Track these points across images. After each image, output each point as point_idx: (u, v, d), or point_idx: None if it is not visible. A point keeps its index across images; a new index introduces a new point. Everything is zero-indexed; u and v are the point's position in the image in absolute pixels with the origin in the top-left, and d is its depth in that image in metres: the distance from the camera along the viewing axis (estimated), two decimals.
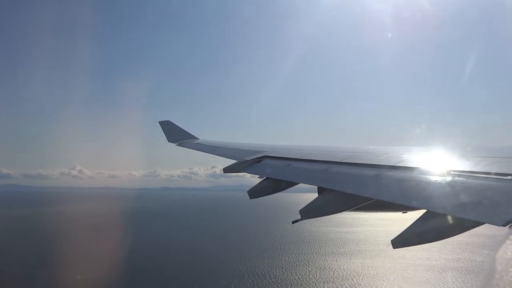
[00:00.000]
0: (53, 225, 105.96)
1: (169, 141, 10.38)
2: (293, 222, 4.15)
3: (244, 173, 5.84)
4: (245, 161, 5.87)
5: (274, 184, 4.99)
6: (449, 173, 3.16)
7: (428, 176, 3.29)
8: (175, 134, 10.52)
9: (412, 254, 64.29)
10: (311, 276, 56.70)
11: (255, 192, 5.01)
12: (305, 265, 63.05)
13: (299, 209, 3.95)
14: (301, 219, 3.94)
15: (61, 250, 65.52)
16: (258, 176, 5.43)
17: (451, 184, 3.01)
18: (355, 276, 57.01)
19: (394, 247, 2.89)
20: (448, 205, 2.81)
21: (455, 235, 2.78)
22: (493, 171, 2.92)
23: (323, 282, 53.65)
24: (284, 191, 4.99)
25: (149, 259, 64.53)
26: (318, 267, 61.79)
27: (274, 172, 5.26)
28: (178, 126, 10.92)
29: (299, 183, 4.68)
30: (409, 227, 2.90)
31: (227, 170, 6.04)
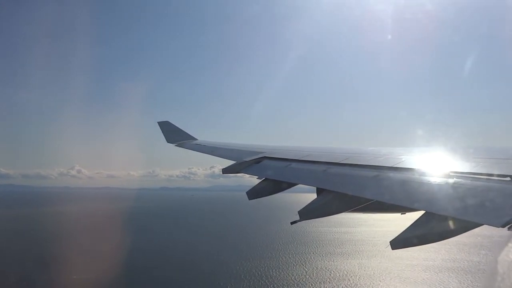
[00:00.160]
0: (52, 225, 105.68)
1: (168, 142, 10.35)
2: (292, 223, 4.15)
3: (243, 174, 5.83)
4: (244, 162, 5.85)
5: (273, 185, 4.99)
6: (448, 174, 3.18)
7: (427, 177, 3.31)
8: (174, 135, 10.49)
9: (409, 255, 64.43)
10: (307, 276, 56.65)
11: (254, 193, 5.00)
12: (302, 266, 63.03)
13: (298, 209, 3.94)
14: (300, 220, 3.94)
15: (59, 250, 65.38)
16: (257, 177, 5.42)
17: (450, 185, 3.03)
18: (351, 276, 57.02)
19: (393, 248, 2.90)
20: (447, 206, 2.82)
21: (453, 236, 2.80)
22: (492, 172, 2.94)
23: (320, 283, 53.62)
24: (283, 191, 4.99)
25: (147, 259, 64.35)
26: (314, 268, 61.78)
27: (273, 173, 5.25)
28: (177, 127, 10.90)
29: (298, 184, 4.68)
30: (407, 228, 2.92)
31: (226, 171, 6.01)
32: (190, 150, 9.25)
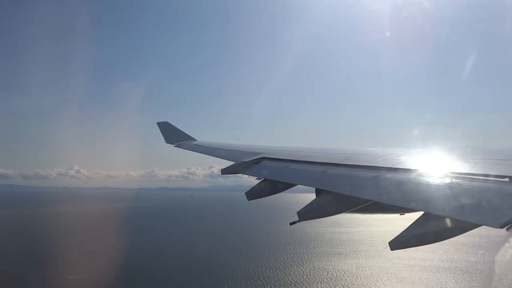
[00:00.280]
0: (51, 225, 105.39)
1: (167, 142, 10.39)
2: (291, 224, 4.15)
3: (242, 174, 5.86)
4: (243, 162, 5.86)
5: (272, 185, 5.00)
6: (447, 175, 3.19)
7: (426, 178, 3.33)
8: (173, 135, 10.53)
9: (407, 255, 64.42)
10: (304, 276, 56.64)
11: (253, 194, 5.02)
12: (299, 266, 63.02)
13: (297, 209, 3.95)
14: (299, 221, 3.94)
15: (57, 250, 65.16)
16: (256, 177, 5.43)
17: (448, 186, 3.04)
18: (348, 276, 57.07)
19: (392, 249, 2.91)
20: (446, 207, 2.82)
21: (452, 237, 2.81)
22: (491, 173, 2.96)
23: (317, 283, 53.61)
24: (282, 191, 5.00)
25: (146, 259, 64.31)
26: (312, 268, 61.78)
27: (272, 173, 5.25)
28: (176, 127, 10.93)
29: (297, 185, 4.69)
30: (406, 229, 2.93)
31: (225, 171, 6.01)
32: (189, 151, 9.32)
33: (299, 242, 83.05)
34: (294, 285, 52.48)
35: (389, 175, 3.66)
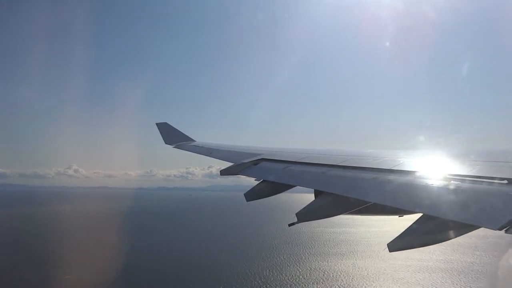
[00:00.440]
0: (48, 224, 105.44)
1: (166, 143, 10.42)
2: (289, 225, 4.16)
3: (241, 175, 5.84)
4: (242, 163, 5.87)
5: (271, 186, 5.01)
6: (445, 177, 3.21)
7: (424, 180, 3.34)
8: (172, 136, 10.56)
9: (403, 255, 64.34)
10: (301, 277, 56.63)
11: (252, 195, 5.04)
12: (295, 266, 63.01)
13: (295, 209, 3.97)
14: (297, 222, 3.95)
15: (54, 249, 65.20)
16: (255, 178, 5.42)
17: (447, 187, 3.05)
18: (345, 276, 57.09)
19: (390, 251, 2.93)
20: (445, 209, 2.83)
21: (451, 239, 2.83)
22: (489, 175, 2.97)
23: (313, 283, 53.60)
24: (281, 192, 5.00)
25: (143, 258, 64.16)
26: (308, 268, 61.78)
27: (271, 174, 5.26)
28: (175, 128, 10.95)
29: (296, 186, 4.70)
30: (405, 230, 2.94)
31: (224, 172, 5.99)
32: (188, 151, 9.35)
33: (297, 242, 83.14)
34: (290, 286, 52.44)
35: (388, 177, 3.67)
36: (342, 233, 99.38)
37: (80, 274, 52.48)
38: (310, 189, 4.28)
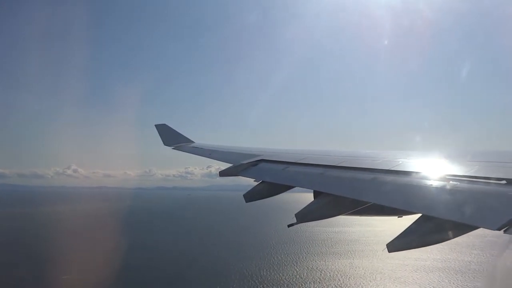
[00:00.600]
0: (47, 224, 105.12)
1: (165, 145, 10.50)
2: (289, 226, 4.17)
3: (240, 176, 5.85)
4: (241, 164, 5.89)
5: (270, 187, 5.03)
6: (444, 178, 3.21)
7: (423, 180, 3.34)
8: (171, 138, 10.63)
9: (401, 255, 64.16)
10: (297, 276, 56.63)
11: (251, 196, 5.06)
12: (293, 266, 63.01)
13: (294, 209, 4.00)
14: (296, 223, 3.97)
15: (52, 249, 64.84)
16: (254, 179, 5.45)
17: (446, 188, 3.05)
18: (342, 276, 57.14)
19: (389, 251, 2.94)
20: (443, 209, 2.84)
21: (450, 239, 2.84)
22: (488, 175, 2.98)
23: (309, 283, 53.59)
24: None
25: (142, 258, 64.06)
26: (305, 268, 61.77)
27: (270, 175, 5.27)
28: (174, 130, 10.99)
29: (295, 187, 4.72)
30: (404, 231, 2.95)
31: (223, 173, 6.02)
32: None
33: (295, 241, 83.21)
34: (287, 285, 52.43)
35: (387, 177, 3.67)
36: (340, 233, 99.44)
37: (79, 273, 52.37)
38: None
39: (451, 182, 3.11)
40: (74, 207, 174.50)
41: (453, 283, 54.18)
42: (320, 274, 58.23)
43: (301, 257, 70.13)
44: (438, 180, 3.22)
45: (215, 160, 7.58)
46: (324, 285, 53.07)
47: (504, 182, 2.79)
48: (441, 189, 3.08)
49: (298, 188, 4.72)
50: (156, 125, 11.33)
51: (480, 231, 2.58)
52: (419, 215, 2.98)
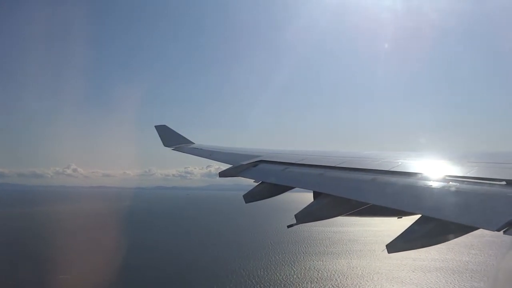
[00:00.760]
0: (47, 224, 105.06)
1: (165, 146, 10.52)
2: (288, 227, 4.19)
3: (240, 177, 5.87)
4: (241, 165, 5.91)
5: (269, 188, 5.03)
6: (444, 178, 3.21)
7: (423, 181, 3.34)
8: (171, 139, 10.66)
9: (399, 255, 64.19)
10: (295, 276, 56.60)
11: (250, 197, 5.07)
12: (290, 265, 62.99)
13: (293, 209, 4.02)
14: (296, 224, 3.98)
15: (51, 249, 64.72)
16: (253, 180, 5.47)
17: (446, 189, 3.05)
18: (339, 276, 57.11)
19: (389, 252, 2.93)
20: (443, 210, 2.84)
21: (449, 240, 2.85)
22: (488, 176, 2.97)
23: (307, 282, 53.55)
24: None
25: (141, 258, 64.05)
26: (303, 267, 61.75)
27: (270, 176, 5.28)
28: (174, 131, 11.02)
29: (294, 188, 4.72)
30: (403, 232, 2.95)
31: (222, 174, 6.04)
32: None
33: (293, 241, 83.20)
34: (284, 285, 52.39)
35: (386, 178, 3.68)
36: (339, 232, 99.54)
37: (78, 273, 52.29)
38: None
39: (450, 183, 3.11)
40: (74, 207, 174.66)
41: (451, 283, 54.26)
42: (318, 274, 58.21)
43: (299, 257, 70.14)
44: (438, 181, 3.22)
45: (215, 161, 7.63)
46: (321, 285, 53.03)
47: (503, 183, 2.79)
48: (441, 190, 3.09)
49: (298, 188, 4.74)
50: (156, 126, 11.33)
51: (478, 231, 2.59)
52: (418, 216, 2.98)
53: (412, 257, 64.56)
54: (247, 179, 5.64)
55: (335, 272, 59.33)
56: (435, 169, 3.64)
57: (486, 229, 2.38)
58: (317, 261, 66.56)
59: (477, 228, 2.54)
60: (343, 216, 3.96)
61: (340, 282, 54.27)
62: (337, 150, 6.03)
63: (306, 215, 4.04)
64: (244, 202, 5.15)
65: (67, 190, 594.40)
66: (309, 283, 53.60)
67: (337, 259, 68.51)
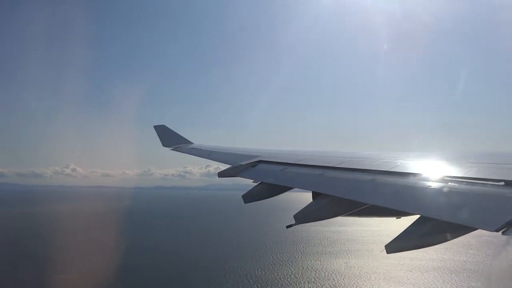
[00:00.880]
0: (46, 224, 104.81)
1: (164, 146, 10.53)
2: (287, 227, 4.20)
3: (239, 177, 5.86)
4: (240, 165, 5.91)
5: (268, 188, 5.04)
6: (443, 179, 3.21)
7: (422, 182, 3.35)
8: (170, 139, 10.67)
9: (397, 254, 63.38)
10: (292, 276, 56.55)
11: (249, 197, 5.08)
12: (288, 265, 62.96)
13: (292, 208, 4.05)
14: (295, 224, 4.00)
15: (52, 249, 64.47)
16: (252, 180, 5.47)
17: (445, 189, 3.06)
18: (337, 276, 57.11)
19: (388, 252, 2.95)
20: (442, 211, 2.85)
21: (448, 240, 2.86)
22: (487, 177, 2.97)
23: (304, 282, 53.51)
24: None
25: (140, 257, 63.98)
26: (301, 267, 61.70)
27: (269, 176, 5.28)
28: (173, 131, 11.03)
29: (294, 188, 4.72)
30: (403, 232, 2.96)
31: (221, 174, 6.05)
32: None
33: (291, 241, 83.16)
34: (281, 285, 52.35)
35: (385, 178, 3.69)
36: (337, 232, 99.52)
37: (78, 273, 52.24)
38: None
39: (449, 183, 3.12)
40: (73, 207, 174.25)
41: (448, 283, 54.32)
42: (315, 274, 58.17)
43: (296, 256, 70.10)
44: (437, 182, 3.23)
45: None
46: (318, 284, 53.00)
47: (502, 183, 2.80)
48: (440, 190, 3.10)
49: (297, 188, 4.73)
50: (155, 126, 11.33)
51: (477, 230, 2.60)
52: (417, 216, 3.00)
53: (409, 257, 64.50)
54: (246, 179, 5.64)
55: (333, 272, 59.30)
56: (434, 169, 3.66)
57: (485, 230, 2.39)
58: (315, 261, 66.55)
59: (475, 229, 2.56)
60: (342, 216, 3.97)
61: (337, 282, 54.25)
62: (336, 151, 6.03)
63: (305, 215, 4.06)
64: (243, 202, 5.16)
65: (66, 190, 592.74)
66: (306, 283, 53.56)
67: (335, 259, 68.48)
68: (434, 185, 3.21)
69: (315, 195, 4.21)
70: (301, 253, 73.66)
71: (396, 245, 2.95)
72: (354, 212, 3.80)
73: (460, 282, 54.45)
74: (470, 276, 56.98)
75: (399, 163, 4.00)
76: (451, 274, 58.16)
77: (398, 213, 3.57)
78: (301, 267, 61.96)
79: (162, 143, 10.68)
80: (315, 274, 58.06)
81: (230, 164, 6.26)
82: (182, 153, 9.63)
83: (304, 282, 53.93)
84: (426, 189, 3.23)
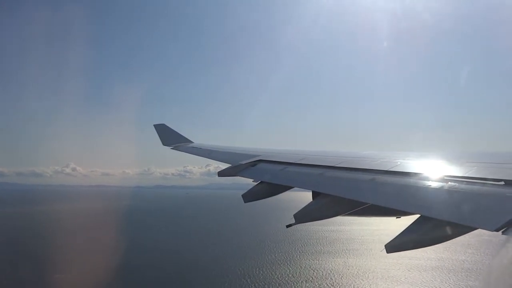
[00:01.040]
0: (46, 223, 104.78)
1: (163, 145, 10.52)
2: (287, 226, 4.21)
3: (239, 176, 5.87)
4: (240, 165, 5.91)
5: (268, 188, 5.04)
6: (443, 178, 3.22)
7: (422, 181, 3.36)
8: (170, 138, 10.66)
9: (396, 254, 63.61)
10: (290, 275, 56.44)
11: (249, 196, 5.09)
12: (286, 265, 62.87)
13: (292, 208, 4.06)
14: (295, 223, 4.02)
15: (52, 248, 64.38)
16: (252, 180, 5.45)
17: (445, 189, 3.07)
18: (335, 275, 57.02)
19: (388, 252, 2.98)
20: (442, 210, 2.87)
21: (448, 240, 2.88)
22: (486, 176, 2.98)
23: (302, 282, 53.41)
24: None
25: (140, 257, 63.92)
26: (299, 266, 61.61)
27: (269, 176, 5.27)
28: (173, 130, 11.00)
29: (294, 187, 4.73)
30: (402, 231, 2.98)
31: (221, 174, 6.04)
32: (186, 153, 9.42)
33: (290, 240, 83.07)
34: (279, 284, 52.27)
35: (385, 178, 3.69)
36: (336, 231, 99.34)
37: (78, 272, 52.14)
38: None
39: (449, 183, 3.12)
40: (73, 206, 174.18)
41: (446, 282, 54.29)
42: (313, 273, 58.08)
43: (295, 256, 70.05)
44: (437, 181, 3.24)
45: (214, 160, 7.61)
46: (316, 284, 52.91)
47: (502, 183, 2.80)
48: (440, 190, 3.10)
49: (297, 188, 4.73)
50: (155, 125, 11.30)
51: (476, 230, 2.62)
52: (417, 216, 3.01)
53: (408, 256, 64.24)
54: (246, 179, 5.63)
55: (331, 271, 59.24)
56: (434, 169, 3.66)
57: (485, 229, 2.40)
58: (314, 260, 66.50)
59: (475, 228, 2.56)
60: (342, 216, 3.97)
61: (335, 281, 54.19)
62: (336, 150, 6.03)
63: (305, 215, 4.07)
64: (243, 201, 5.16)
65: (66, 189, 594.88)
66: (304, 282, 53.48)
67: (333, 258, 68.41)
68: (434, 184, 3.22)
69: (315, 194, 4.22)
70: (300, 252, 73.62)
71: (396, 245, 2.98)
72: (354, 211, 3.81)
73: (459, 281, 54.40)
74: (469, 276, 56.92)
75: (399, 163, 4.00)
76: (450, 274, 58.15)
77: (398, 213, 3.57)
78: (299, 266, 61.89)
79: (162, 142, 10.66)
80: (313, 273, 57.99)
81: (230, 164, 6.25)
82: (182, 152, 9.61)
83: (302, 281, 53.89)
84: (426, 188, 3.24)
